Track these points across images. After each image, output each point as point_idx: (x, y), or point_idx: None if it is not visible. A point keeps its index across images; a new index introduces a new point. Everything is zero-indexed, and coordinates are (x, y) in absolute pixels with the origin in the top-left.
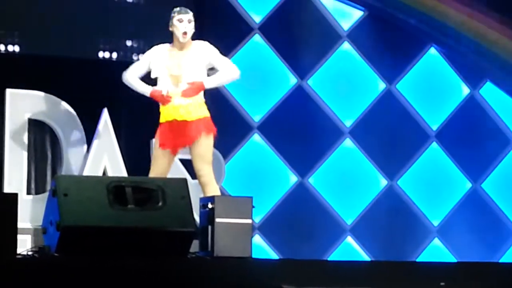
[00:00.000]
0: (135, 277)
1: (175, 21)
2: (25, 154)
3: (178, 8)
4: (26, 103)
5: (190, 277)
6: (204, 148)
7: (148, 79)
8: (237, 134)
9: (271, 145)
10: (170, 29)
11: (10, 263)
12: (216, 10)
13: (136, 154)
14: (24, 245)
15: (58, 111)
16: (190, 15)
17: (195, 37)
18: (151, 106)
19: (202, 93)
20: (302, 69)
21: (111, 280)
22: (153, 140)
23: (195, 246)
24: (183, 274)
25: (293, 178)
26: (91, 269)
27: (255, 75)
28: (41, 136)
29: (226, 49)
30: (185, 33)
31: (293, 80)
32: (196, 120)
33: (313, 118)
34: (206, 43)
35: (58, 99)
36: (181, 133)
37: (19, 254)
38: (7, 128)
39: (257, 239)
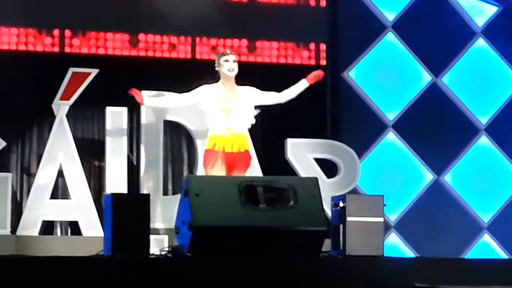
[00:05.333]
0: (267, 276)
1: (221, 61)
2: (161, 155)
3: (222, 52)
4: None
5: (323, 276)
6: None
7: None
8: (372, 132)
9: (406, 143)
10: (217, 68)
11: (144, 263)
12: (350, 9)
13: (270, 154)
14: (162, 245)
15: (194, 113)
16: (234, 57)
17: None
18: (282, 108)
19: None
20: (436, 66)
21: (243, 279)
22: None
23: (327, 245)
24: (315, 273)
25: (429, 176)
26: (223, 268)
27: (388, 74)
28: (177, 137)
29: (360, 48)
30: (231, 69)
31: (427, 77)
32: (243, 152)
33: (448, 115)
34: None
35: None
36: (231, 164)
37: (153, 254)
38: (143, 130)
39: (393, 237)
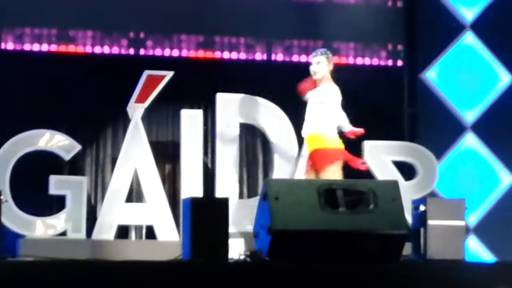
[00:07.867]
0: (347, 280)
1: (311, 60)
2: (237, 158)
3: (314, 53)
4: (237, 108)
5: (403, 280)
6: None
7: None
8: (450, 134)
9: (485, 144)
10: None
11: (223, 267)
12: (427, 8)
13: None
14: (237, 249)
15: (269, 115)
16: (319, 58)
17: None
18: (359, 110)
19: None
20: None
21: (322, 283)
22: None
23: (407, 249)
24: (395, 277)
25: (507, 178)
26: (303, 272)
27: (467, 74)
28: (252, 140)
29: (438, 48)
30: (314, 72)
31: (506, 77)
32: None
33: None
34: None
35: (269, 103)
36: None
37: (231, 259)
38: (218, 133)
39: (472, 241)
